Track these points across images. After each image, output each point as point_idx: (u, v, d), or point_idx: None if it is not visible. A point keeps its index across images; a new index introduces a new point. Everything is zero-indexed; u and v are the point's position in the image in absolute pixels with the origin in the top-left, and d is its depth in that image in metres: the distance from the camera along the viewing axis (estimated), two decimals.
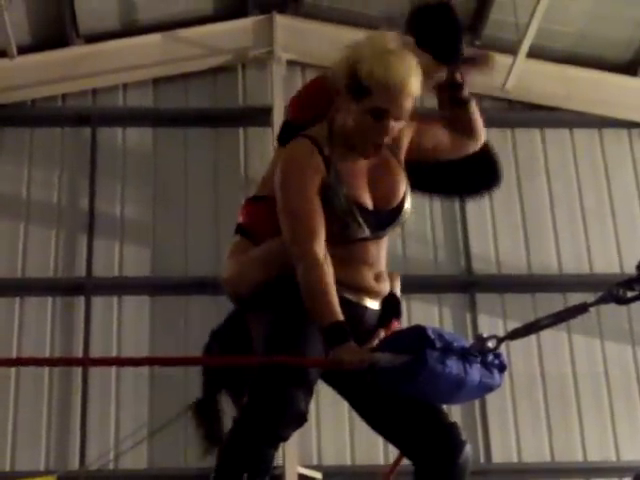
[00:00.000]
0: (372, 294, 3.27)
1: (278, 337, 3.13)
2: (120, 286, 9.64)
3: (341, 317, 3.01)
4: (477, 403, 9.15)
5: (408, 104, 3.13)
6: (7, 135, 10.15)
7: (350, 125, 3.19)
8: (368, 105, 3.11)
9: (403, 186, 3.32)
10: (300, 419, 3.04)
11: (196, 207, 9.92)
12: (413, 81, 3.10)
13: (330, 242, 3.15)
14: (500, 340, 3.01)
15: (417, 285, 9.18)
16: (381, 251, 3.31)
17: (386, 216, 3.28)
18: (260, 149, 10.05)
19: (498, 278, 9.85)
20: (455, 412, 8.40)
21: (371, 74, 3.08)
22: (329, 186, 3.19)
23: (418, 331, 2.99)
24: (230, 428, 3.08)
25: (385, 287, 3.32)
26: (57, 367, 9.24)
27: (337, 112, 3.26)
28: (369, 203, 3.24)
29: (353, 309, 3.17)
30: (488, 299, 9.72)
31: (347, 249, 3.21)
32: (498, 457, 9.21)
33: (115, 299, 9.59)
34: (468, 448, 3.17)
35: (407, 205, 3.33)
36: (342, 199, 3.18)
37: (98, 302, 9.53)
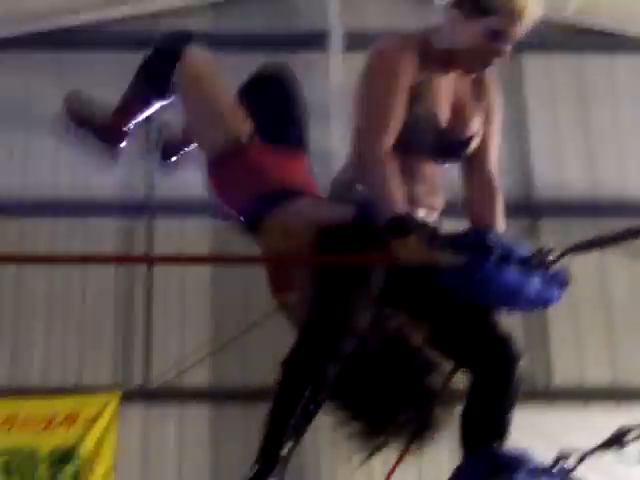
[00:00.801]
0: (424, 207, 3.25)
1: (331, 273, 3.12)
2: (182, 208, 9.70)
3: (404, 211, 3.01)
4: (538, 323, 9.15)
5: (523, 31, 3.11)
6: (70, 60, 10.17)
7: (460, 42, 3.14)
8: (487, 25, 3.09)
9: (476, 126, 3.31)
10: (359, 333, 3.05)
11: None
12: (534, 9, 3.09)
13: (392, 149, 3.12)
14: (562, 253, 2.99)
15: None
16: (437, 172, 3.31)
17: (452, 145, 3.27)
18: (314, 74, 9.99)
19: (562, 203, 9.74)
20: (516, 332, 8.43)
21: None
22: (415, 89, 3.16)
23: (480, 234, 2.98)
24: (293, 342, 3.10)
25: (437, 202, 3.30)
26: (120, 284, 9.37)
27: (437, 28, 3.23)
28: (444, 124, 3.22)
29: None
30: (551, 224, 9.64)
31: (405, 161, 3.18)
32: (560, 379, 9.22)
33: (177, 221, 9.66)
34: (523, 361, 3.17)
35: (474, 144, 3.32)
36: (423, 107, 3.17)
37: (162, 223, 9.62)
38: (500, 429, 3.14)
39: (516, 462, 2.94)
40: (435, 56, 3.20)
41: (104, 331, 9.25)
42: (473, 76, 3.29)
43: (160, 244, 9.52)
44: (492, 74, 3.35)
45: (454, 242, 3.01)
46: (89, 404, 8.75)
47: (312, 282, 3.15)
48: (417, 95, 3.15)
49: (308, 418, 3.00)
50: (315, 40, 10.05)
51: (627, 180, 9.85)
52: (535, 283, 2.98)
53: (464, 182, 3.39)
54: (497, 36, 3.09)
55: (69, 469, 8.57)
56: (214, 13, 10.39)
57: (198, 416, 8.97)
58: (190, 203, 9.66)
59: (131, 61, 10.58)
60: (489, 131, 3.36)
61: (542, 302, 3.08)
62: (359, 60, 10.80)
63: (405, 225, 2.98)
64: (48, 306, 9.29)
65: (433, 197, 3.29)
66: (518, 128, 9.90)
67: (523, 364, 3.17)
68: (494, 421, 3.15)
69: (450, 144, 3.26)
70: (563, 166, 9.88)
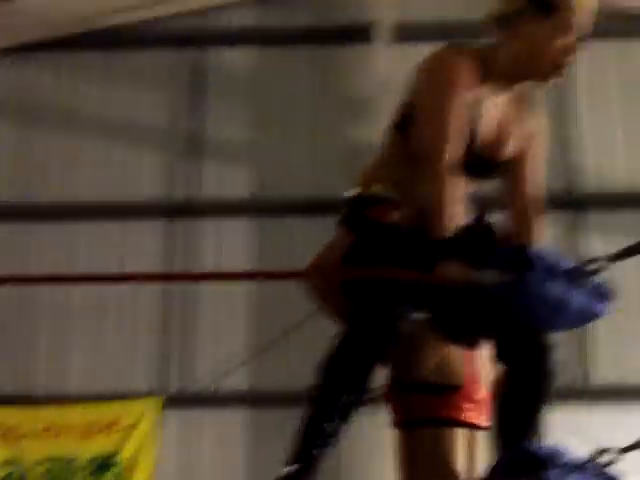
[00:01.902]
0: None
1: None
2: (223, 208, 9.66)
3: (455, 232, 3.01)
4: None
5: (590, 22, 3.09)
6: (115, 58, 10.17)
7: (533, 45, 3.08)
8: (559, 22, 3.05)
9: (516, 148, 3.28)
10: (399, 337, 3.01)
11: (298, 127, 9.84)
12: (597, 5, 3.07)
13: None
14: (608, 260, 2.86)
15: None
16: (470, 189, 3.28)
17: (487, 165, 3.26)
18: (362, 67, 9.89)
19: (608, 195, 9.51)
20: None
21: None
22: (471, 108, 3.14)
23: (522, 250, 2.93)
24: (331, 346, 3.05)
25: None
26: (159, 288, 9.29)
27: (501, 42, 3.17)
28: (485, 143, 3.21)
29: None
30: (597, 218, 9.43)
31: None
32: (599, 378, 9.03)
33: (218, 221, 9.61)
34: (556, 355, 3.12)
35: (511, 165, 3.29)
36: (475, 129, 3.15)
37: (203, 224, 9.55)
38: (533, 423, 3.13)
39: (549, 458, 2.91)
40: (499, 72, 3.18)
41: (143, 337, 9.25)
42: (522, 95, 3.27)
43: (200, 245, 9.46)
44: (540, 96, 3.34)
45: (497, 259, 2.97)
46: (129, 410, 8.80)
47: (354, 290, 3.13)
48: (473, 112, 3.14)
49: (344, 421, 2.99)
50: (361, 33, 9.94)
51: None
52: (580, 297, 2.91)
53: (506, 200, 3.38)
54: (569, 31, 3.06)
55: (109, 476, 8.60)
56: (260, 8, 10.27)
57: (237, 420, 8.95)
58: (231, 203, 9.61)
59: (177, 58, 10.60)
60: (533, 152, 3.34)
61: (588, 318, 3.01)
62: (405, 52, 10.56)
63: (455, 248, 2.98)
64: (87, 313, 9.27)
65: (465, 214, 3.25)
66: (561, 119, 9.67)
67: (557, 357, 3.13)
68: (528, 415, 3.13)
69: (486, 164, 3.26)
70: (608, 157, 9.64)
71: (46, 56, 10.07)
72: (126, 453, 8.58)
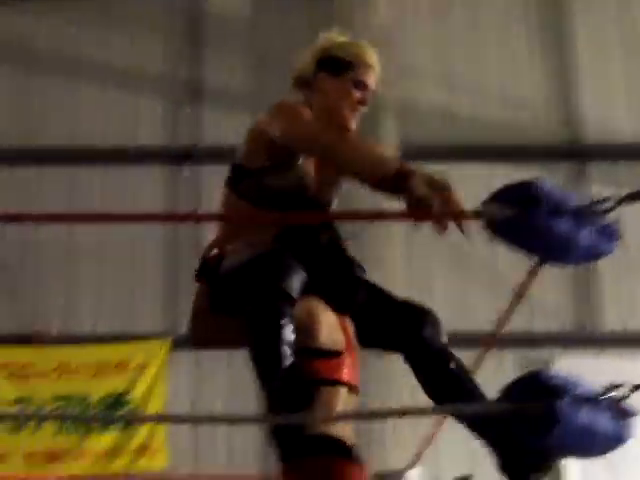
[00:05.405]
0: None
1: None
2: (225, 155, 9.65)
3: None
4: (588, 270, 9.08)
5: (376, 81, 3.48)
6: (114, 4, 10.13)
7: (331, 98, 3.42)
8: (350, 77, 3.43)
9: (335, 195, 3.52)
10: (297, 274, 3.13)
11: None
12: (377, 60, 3.50)
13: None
14: (616, 202, 2.87)
15: (520, 154, 9.10)
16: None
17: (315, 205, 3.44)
18: (358, 13, 9.87)
19: (611, 146, 9.59)
20: (566, 278, 8.38)
21: (350, 51, 3.47)
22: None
23: (528, 186, 2.88)
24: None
25: None
26: (166, 231, 9.37)
27: (311, 98, 3.47)
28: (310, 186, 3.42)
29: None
30: (600, 168, 9.52)
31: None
32: (610, 326, 9.14)
33: (221, 168, 9.59)
34: (431, 314, 3.33)
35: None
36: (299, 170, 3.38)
37: (207, 171, 9.59)
38: (468, 386, 3.25)
39: (561, 387, 2.90)
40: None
41: (154, 278, 9.29)
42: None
43: (203, 192, 9.51)
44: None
45: (500, 194, 2.93)
46: (140, 351, 8.82)
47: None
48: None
49: None
50: None
51: None
52: (587, 235, 2.90)
53: None
54: (360, 85, 3.43)
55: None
56: None
57: (248, 361, 8.96)
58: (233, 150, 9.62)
59: (175, 5, 10.41)
60: None
61: (594, 255, 3.00)
62: None
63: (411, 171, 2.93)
64: (99, 255, 9.32)
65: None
66: (565, 69, 9.70)
67: (432, 316, 3.33)
68: (460, 384, 3.25)
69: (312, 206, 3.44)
70: (612, 108, 9.72)
71: (45, 2, 10.03)
72: (137, 392, 8.64)
